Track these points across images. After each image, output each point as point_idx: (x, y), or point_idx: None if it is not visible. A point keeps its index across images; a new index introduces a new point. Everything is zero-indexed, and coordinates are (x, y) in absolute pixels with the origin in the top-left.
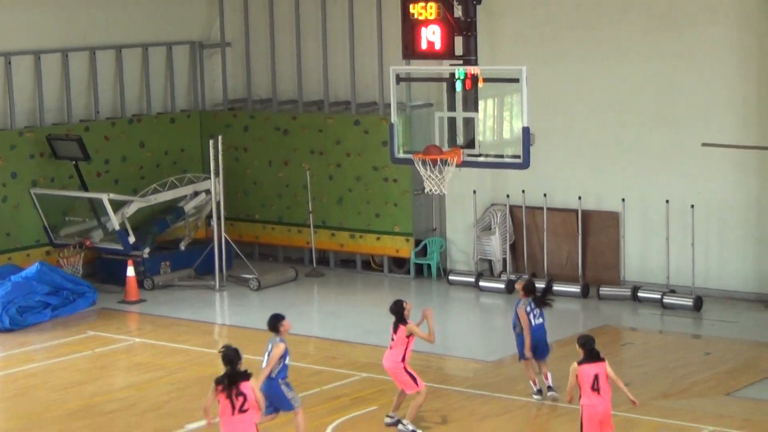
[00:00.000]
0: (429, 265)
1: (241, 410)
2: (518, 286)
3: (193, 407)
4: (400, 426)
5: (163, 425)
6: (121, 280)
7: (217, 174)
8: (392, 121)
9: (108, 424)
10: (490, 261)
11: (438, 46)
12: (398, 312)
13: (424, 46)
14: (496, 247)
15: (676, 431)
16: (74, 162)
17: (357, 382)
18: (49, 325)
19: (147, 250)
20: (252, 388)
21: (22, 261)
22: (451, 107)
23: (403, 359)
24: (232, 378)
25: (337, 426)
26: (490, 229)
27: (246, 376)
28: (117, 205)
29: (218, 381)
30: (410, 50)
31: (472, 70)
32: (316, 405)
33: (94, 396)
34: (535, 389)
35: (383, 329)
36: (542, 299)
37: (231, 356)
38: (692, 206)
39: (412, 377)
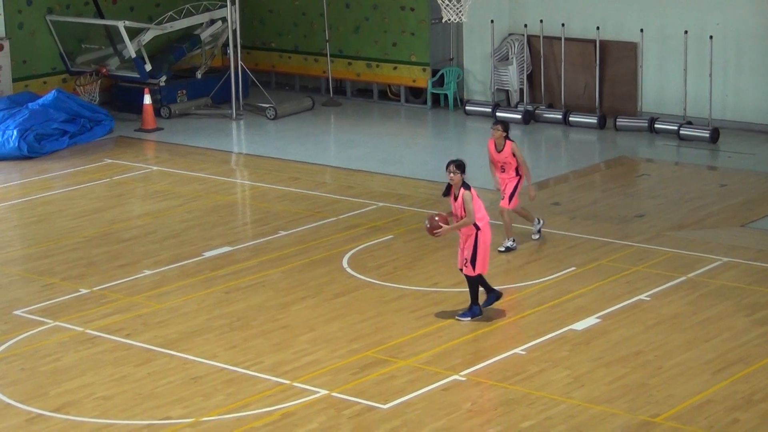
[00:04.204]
0: (446, 95)
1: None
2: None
3: (210, 235)
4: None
5: (181, 252)
6: (137, 108)
7: (233, 2)
8: None
9: (127, 250)
10: (507, 91)
11: None
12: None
13: None
14: (513, 77)
15: (690, 262)
16: None
17: (373, 211)
18: (67, 153)
19: (163, 78)
20: None
21: (39, 88)
22: None
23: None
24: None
25: (353, 254)
26: (508, 59)
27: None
28: (133, 33)
29: None
30: None
31: None
32: (333, 234)
33: (113, 223)
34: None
35: (399, 159)
36: None
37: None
38: (710, 37)
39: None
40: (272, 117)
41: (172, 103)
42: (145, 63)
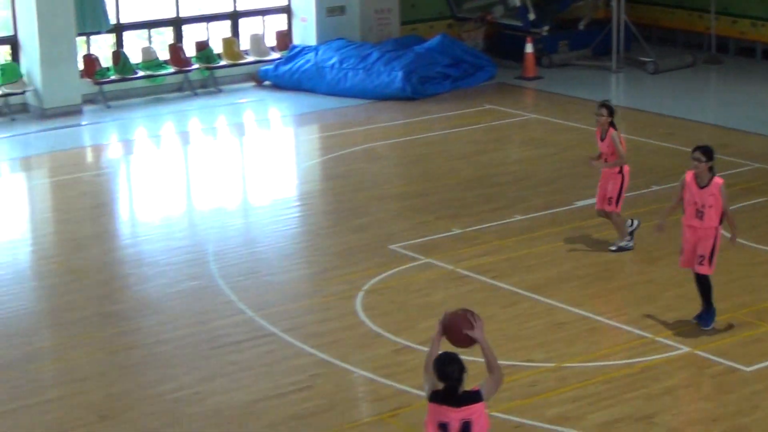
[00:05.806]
0: None
1: None
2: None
3: (582, 185)
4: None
5: (552, 200)
6: (519, 56)
7: None
8: None
9: (499, 195)
10: None
11: None
12: None
13: None
14: None
15: None
16: None
17: (748, 172)
18: (448, 96)
19: (546, 28)
20: None
21: (426, 32)
22: None
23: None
24: None
25: None
26: None
27: None
28: None
29: None
30: None
31: None
32: None
33: (488, 167)
34: None
35: None
36: None
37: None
38: None
39: None
40: (652, 71)
41: (553, 53)
42: (528, 12)
